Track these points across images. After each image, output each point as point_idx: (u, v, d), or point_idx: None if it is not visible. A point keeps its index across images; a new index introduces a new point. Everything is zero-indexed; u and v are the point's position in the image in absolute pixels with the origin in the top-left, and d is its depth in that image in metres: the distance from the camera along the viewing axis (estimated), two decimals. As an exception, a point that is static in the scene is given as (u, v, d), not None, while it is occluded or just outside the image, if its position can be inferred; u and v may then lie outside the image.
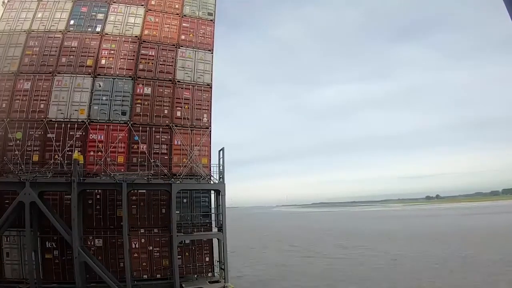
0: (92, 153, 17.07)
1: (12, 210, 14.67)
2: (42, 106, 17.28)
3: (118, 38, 19.05)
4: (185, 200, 18.17)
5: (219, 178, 18.07)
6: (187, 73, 19.28)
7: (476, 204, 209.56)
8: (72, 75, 17.93)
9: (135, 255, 16.73)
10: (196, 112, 18.82)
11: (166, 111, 18.43)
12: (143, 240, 17.06)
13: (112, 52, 18.72)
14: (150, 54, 19.12)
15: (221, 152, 18.44)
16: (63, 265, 16.00)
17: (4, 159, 16.11)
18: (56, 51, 18.31)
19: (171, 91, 18.74)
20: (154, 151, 17.78)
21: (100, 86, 17.98)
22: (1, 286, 15.57)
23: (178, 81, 18.97)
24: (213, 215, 18.61)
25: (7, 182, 15.41)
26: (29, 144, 16.59)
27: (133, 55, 18.86)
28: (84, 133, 17.20)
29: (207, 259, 18.03)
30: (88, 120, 17.34)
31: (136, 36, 19.30)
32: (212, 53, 20.10)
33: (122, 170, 16.85)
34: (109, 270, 15.89)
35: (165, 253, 17.06)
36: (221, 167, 18.16)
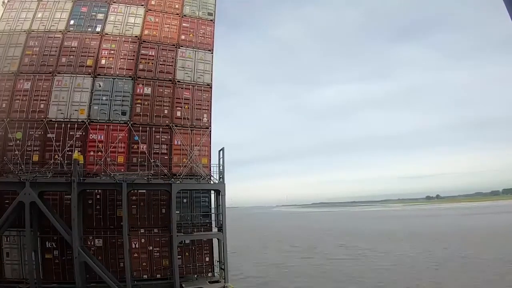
0: (92, 153, 17.05)
1: (12, 210, 14.66)
2: (42, 106, 17.26)
3: (118, 38, 19.04)
4: (185, 200, 18.16)
5: (219, 178, 18.06)
6: (187, 73, 19.27)
7: (476, 204, 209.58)
8: (72, 75, 17.91)
9: (135, 255, 16.71)
10: (196, 112, 18.81)
11: (166, 111, 18.42)
12: (143, 240, 17.04)
13: (112, 52, 18.70)
14: (150, 54, 19.10)
15: (221, 152, 18.44)
16: (63, 265, 15.98)
17: (4, 159, 16.10)
18: (56, 51, 18.29)
19: (171, 91, 18.72)
20: (154, 151, 17.76)
21: (100, 86, 17.96)
22: (1, 286, 15.56)
23: (178, 81, 18.97)
24: (213, 215, 18.59)
25: (7, 182, 15.40)
26: (29, 144, 16.58)
27: (133, 55, 18.85)
28: (84, 133, 17.18)
29: (207, 259, 18.02)
30: (88, 120, 17.34)
31: (136, 36, 19.29)
32: (212, 53, 20.08)
33: (122, 170, 16.84)
34: (109, 270, 15.87)
35: (165, 253, 17.05)
36: (221, 167, 18.15)
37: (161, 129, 18.08)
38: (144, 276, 16.73)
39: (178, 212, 17.24)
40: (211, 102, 19.28)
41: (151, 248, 17.04)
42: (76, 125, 17.17)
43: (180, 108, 18.56)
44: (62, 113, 17.28)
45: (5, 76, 17.63)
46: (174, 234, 16.11)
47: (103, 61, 18.47)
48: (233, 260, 32.68)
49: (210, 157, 18.57)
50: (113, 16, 19.51)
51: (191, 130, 18.44)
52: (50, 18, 19.03)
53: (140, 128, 17.84)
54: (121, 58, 18.65)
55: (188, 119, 18.50)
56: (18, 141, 16.57)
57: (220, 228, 17.71)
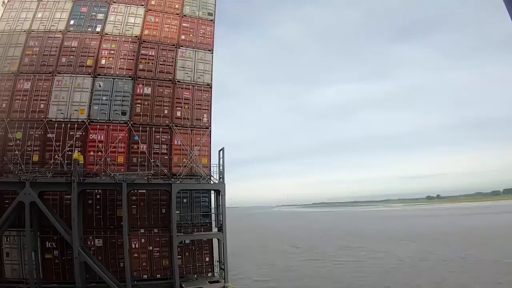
0: (92, 153, 17.05)
1: (12, 210, 14.66)
2: (42, 106, 17.26)
3: (118, 38, 19.03)
4: (185, 200, 18.15)
5: (219, 178, 18.06)
6: (187, 73, 19.27)
7: (477, 204, 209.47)
8: (72, 75, 17.91)
9: (135, 255, 16.70)
10: (196, 112, 18.80)
11: (166, 111, 18.41)
12: (143, 240, 17.04)
13: (112, 52, 18.70)
14: (150, 54, 19.09)
15: (221, 152, 18.43)
16: (63, 265, 15.98)
17: (4, 159, 16.10)
18: (56, 51, 18.29)
19: (171, 91, 18.72)
20: (154, 151, 17.76)
21: (100, 86, 17.96)
22: (1, 286, 15.56)
23: (178, 81, 18.96)
24: (213, 215, 18.59)
25: (7, 182, 15.40)
26: (29, 144, 16.58)
27: (133, 55, 18.85)
28: (84, 133, 17.18)
29: (207, 259, 18.01)
30: (88, 120, 17.34)
31: (136, 36, 19.29)
32: (212, 53, 20.08)
33: (122, 170, 16.83)
34: (109, 270, 15.87)
35: (165, 253, 17.04)
36: (221, 167, 18.14)
37: (161, 129, 18.08)
38: (144, 276, 16.73)
39: (178, 212, 17.24)
40: (211, 102, 19.28)
41: (151, 248, 17.03)
42: (76, 125, 17.17)
43: (180, 108, 18.55)
44: (62, 113, 17.28)
45: (5, 76, 17.64)
46: (174, 234, 16.10)
47: (103, 61, 18.46)
48: (235, 261, 32.67)
49: (210, 157, 18.56)
50: (113, 16, 19.51)
51: (191, 130, 18.44)
52: (50, 18, 19.03)
53: (140, 128, 17.83)
54: (121, 58, 18.65)
55: (188, 119, 18.50)
56: (18, 141, 16.57)
57: (220, 228, 17.71)
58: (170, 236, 16.46)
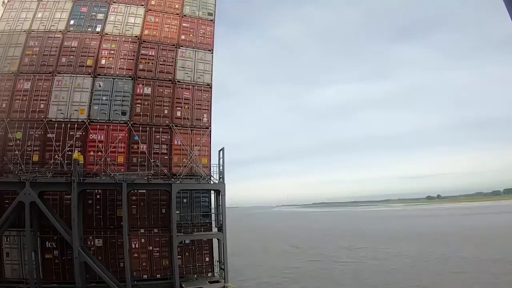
0: (92, 153, 17.07)
1: (12, 210, 14.67)
2: (42, 106, 17.28)
3: (118, 38, 19.05)
4: (185, 200, 18.16)
5: (219, 178, 18.06)
6: (187, 73, 19.27)
7: (478, 204, 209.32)
8: (72, 75, 17.92)
9: (135, 255, 16.72)
10: (196, 112, 18.81)
11: (166, 111, 18.42)
12: (143, 240, 17.05)
13: (112, 52, 18.71)
14: (150, 54, 19.11)
15: (221, 152, 18.44)
16: (63, 265, 16.00)
17: (4, 159, 16.11)
18: (56, 51, 18.30)
19: (171, 91, 18.73)
20: (154, 151, 17.77)
21: (100, 86, 17.97)
22: (1, 286, 15.57)
23: (178, 81, 18.97)
24: (213, 215, 18.61)
25: (7, 182, 15.42)
26: (29, 144, 16.59)
27: (133, 55, 18.86)
28: (84, 133, 17.19)
29: (207, 259, 18.03)
30: (88, 120, 17.34)
31: (136, 36, 19.29)
32: (212, 53, 20.09)
33: (122, 170, 16.84)
34: (109, 270, 15.89)
35: (165, 253, 17.05)
36: (221, 167, 18.15)
37: (161, 129, 18.09)
38: (144, 276, 16.74)
39: (178, 212, 17.26)
40: (211, 102, 19.30)
41: (151, 248, 17.05)
42: (76, 125, 17.18)
43: (180, 108, 18.56)
44: (62, 113, 17.29)
45: (5, 76, 17.65)
46: (174, 234, 16.11)
47: (103, 61, 18.48)
48: (238, 263, 32.56)
49: (210, 157, 18.58)
50: (113, 16, 19.53)
51: (191, 130, 18.45)
52: (50, 18, 19.04)
53: (140, 128, 17.84)
54: (121, 58, 18.66)
55: (188, 119, 18.50)
56: (18, 141, 16.59)
57: (220, 228, 17.72)
58: (170, 236, 16.47)
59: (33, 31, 18.68)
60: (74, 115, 17.35)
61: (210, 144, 18.72)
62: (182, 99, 18.67)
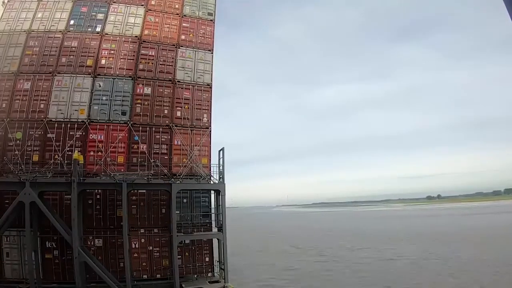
0: (92, 153, 17.07)
1: (12, 210, 14.67)
2: (42, 106, 17.28)
3: (118, 38, 19.05)
4: (185, 200, 18.17)
5: (219, 178, 18.06)
6: (187, 73, 19.28)
7: (479, 204, 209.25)
8: (72, 75, 17.93)
9: (135, 255, 16.72)
10: (196, 112, 18.81)
11: (166, 111, 18.42)
12: (143, 240, 17.05)
13: (112, 52, 18.72)
14: (150, 54, 19.11)
15: (221, 152, 18.44)
16: (63, 265, 16.00)
17: (4, 159, 16.11)
18: (56, 51, 18.31)
19: (171, 91, 18.73)
20: (154, 151, 17.77)
21: (100, 86, 17.98)
22: (1, 286, 15.57)
23: (178, 81, 18.97)
24: (213, 215, 18.61)
25: (7, 182, 15.42)
26: (29, 144, 16.60)
27: (133, 55, 18.86)
28: (84, 133, 17.20)
29: (207, 259, 18.03)
30: (88, 120, 17.34)
31: (136, 36, 19.29)
32: (212, 53, 20.09)
33: (122, 170, 16.85)
34: (109, 270, 15.88)
35: (165, 253, 17.05)
36: (221, 167, 18.16)
37: (161, 129, 18.09)
38: (144, 276, 16.74)
39: (178, 212, 17.26)
40: (211, 102, 19.30)
41: (151, 248, 17.05)
42: (76, 125, 17.19)
43: (180, 108, 18.56)
44: (62, 113, 17.30)
45: (5, 76, 17.66)
46: (174, 234, 16.11)
47: (103, 61, 18.48)
48: (242, 264, 32.39)
49: (210, 157, 18.58)
50: (113, 16, 19.53)
51: (191, 130, 18.45)
52: (50, 18, 19.05)
53: (140, 128, 17.85)
54: (121, 58, 18.67)
55: (188, 119, 18.51)
56: (18, 141, 16.60)
57: (220, 228, 17.72)
58: (170, 236, 16.47)
59: (33, 31, 18.68)
60: (74, 115, 17.36)
61: (210, 144, 18.73)
62: (182, 99, 18.67)
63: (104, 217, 16.88)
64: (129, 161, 17.36)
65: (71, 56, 18.28)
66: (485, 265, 31.86)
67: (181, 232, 17.05)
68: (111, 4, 19.80)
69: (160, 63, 19.08)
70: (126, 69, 18.55)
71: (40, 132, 16.87)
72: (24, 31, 18.64)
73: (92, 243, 16.54)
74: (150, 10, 20.06)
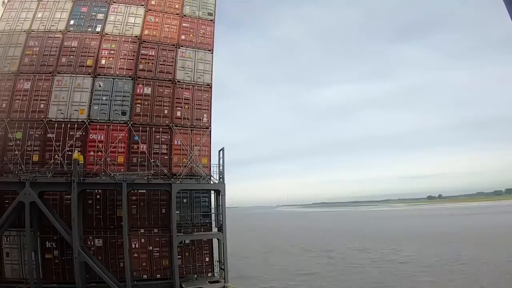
0: (92, 153, 17.06)
1: (12, 210, 14.67)
2: (42, 106, 17.27)
3: (118, 38, 19.03)
4: (185, 200, 18.15)
5: (219, 178, 18.05)
6: (187, 73, 19.26)
7: (479, 204, 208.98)
8: (72, 75, 17.91)
9: (135, 255, 16.70)
10: (196, 112, 18.80)
11: (166, 111, 18.41)
12: (143, 240, 17.04)
13: (112, 52, 18.70)
14: (150, 54, 19.09)
15: (221, 152, 18.43)
16: (63, 265, 15.99)
17: (4, 159, 16.11)
18: (56, 51, 18.30)
19: (171, 91, 18.72)
20: (154, 151, 17.76)
21: (100, 86, 17.96)
22: (1, 286, 15.57)
23: (178, 81, 18.96)
24: (213, 215, 18.59)
25: (7, 182, 15.41)
26: (29, 144, 16.59)
27: (133, 55, 18.84)
28: (84, 133, 17.19)
29: (207, 259, 18.01)
30: (88, 120, 17.34)
31: (136, 36, 19.28)
32: (212, 53, 20.07)
33: (122, 170, 16.83)
34: (109, 270, 15.87)
35: (165, 253, 17.04)
36: (221, 167, 18.14)
37: (161, 129, 18.08)
38: (144, 276, 16.73)
39: (178, 212, 17.24)
40: (211, 102, 19.28)
41: (151, 248, 17.03)
42: (76, 125, 17.17)
43: (180, 108, 18.55)
44: (62, 113, 17.29)
45: (5, 76, 17.65)
46: (174, 234, 16.10)
47: (103, 61, 18.47)
48: (251, 267, 32.06)
49: (210, 157, 18.56)
50: (113, 16, 19.51)
51: (191, 130, 18.43)
52: (50, 18, 19.03)
53: (140, 128, 17.83)
54: (121, 58, 18.65)
55: (188, 119, 18.49)
56: (18, 141, 16.58)
57: (220, 228, 17.71)
58: (170, 236, 16.46)
59: (33, 31, 18.67)
60: (74, 115, 17.34)
61: (210, 144, 18.71)
62: (182, 99, 18.66)
63: (104, 217, 16.87)
64: (129, 161, 17.35)
65: (71, 56, 18.26)
66: (485, 265, 31.76)
67: (181, 232, 17.03)
68: (111, 4, 19.78)
69: (160, 63, 19.06)
70: (126, 69, 18.53)
71: (40, 132, 16.86)
72: (24, 31, 18.63)
73: (92, 243, 16.52)
74: (150, 10, 20.04)
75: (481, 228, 66.18)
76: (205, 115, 18.94)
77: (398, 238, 56.86)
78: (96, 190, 16.90)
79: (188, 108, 18.69)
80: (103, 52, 18.60)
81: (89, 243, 16.41)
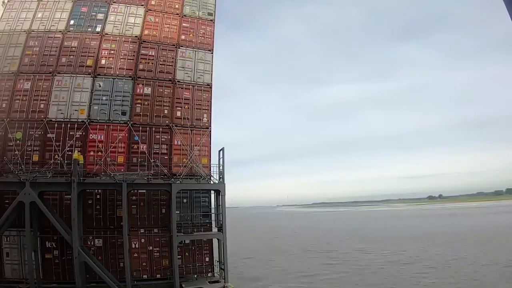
0: (92, 153, 17.08)
1: (12, 210, 14.69)
2: (42, 106, 17.30)
3: (118, 38, 19.05)
4: (185, 200, 18.16)
5: (219, 178, 18.06)
6: (187, 73, 19.28)
7: (479, 204, 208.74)
8: (72, 75, 17.94)
9: (135, 255, 16.72)
10: (196, 112, 18.81)
11: (166, 111, 18.42)
12: (143, 240, 17.05)
13: (112, 52, 18.72)
14: (150, 54, 19.11)
15: (221, 152, 18.43)
16: (63, 265, 16.01)
17: (4, 159, 16.13)
18: (56, 51, 18.32)
19: (171, 91, 18.74)
20: (154, 151, 17.77)
21: (100, 86, 17.98)
22: (1, 286, 15.58)
23: (178, 81, 18.96)
24: (213, 215, 18.61)
25: (7, 182, 15.43)
26: (29, 144, 16.61)
27: (133, 55, 18.86)
28: (84, 133, 17.21)
29: (207, 259, 18.02)
30: (88, 120, 17.35)
31: (136, 36, 19.29)
32: (212, 53, 20.09)
33: (122, 170, 16.85)
34: (109, 270, 15.89)
35: (165, 253, 17.05)
36: (221, 167, 18.15)
37: (161, 129, 18.09)
38: (144, 276, 16.75)
39: (178, 212, 17.26)
40: (211, 102, 19.31)
41: (151, 248, 17.05)
42: (76, 125, 17.20)
43: (180, 108, 18.56)
44: (62, 113, 17.31)
45: (5, 76, 17.68)
46: (174, 234, 16.11)
47: (103, 61, 18.49)
48: (255, 268, 31.53)
49: (210, 157, 18.58)
50: (113, 16, 19.54)
51: (191, 130, 18.45)
52: (50, 18, 19.06)
53: (140, 128, 17.85)
54: (121, 58, 18.67)
55: (188, 119, 18.50)
56: (18, 141, 16.61)
57: (220, 228, 17.72)
58: (170, 236, 16.47)
59: (33, 31, 18.69)
60: (74, 115, 17.37)
61: (210, 144, 18.73)
62: (182, 99, 18.66)
63: (104, 217, 16.89)
64: (129, 161, 17.36)
65: (71, 56, 18.29)
66: (485, 265, 31.72)
67: (181, 232, 17.04)
68: (111, 4, 19.80)
69: (160, 63, 19.08)
70: (126, 69, 18.55)
71: (40, 132, 16.88)
72: (24, 31, 18.66)
73: (92, 243, 16.54)
74: (150, 10, 20.06)
75: (482, 228, 66.04)
76: (205, 115, 18.94)
77: (399, 238, 56.75)
78: (96, 190, 16.92)
79: (188, 108, 18.70)
80: (103, 52, 18.62)
81: (89, 243, 16.43)
